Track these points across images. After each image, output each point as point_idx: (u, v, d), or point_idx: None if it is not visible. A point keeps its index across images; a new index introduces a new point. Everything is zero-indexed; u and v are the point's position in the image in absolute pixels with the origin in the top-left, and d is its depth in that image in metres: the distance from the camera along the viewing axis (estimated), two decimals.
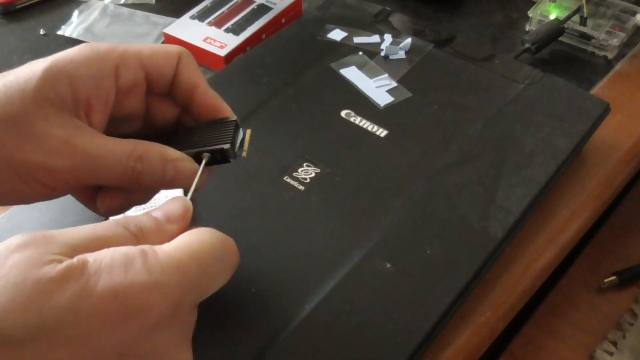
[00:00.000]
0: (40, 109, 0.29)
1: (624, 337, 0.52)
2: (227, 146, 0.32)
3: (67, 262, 0.23)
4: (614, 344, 0.51)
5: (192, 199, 0.30)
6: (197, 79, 0.33)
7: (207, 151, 0.32)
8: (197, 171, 0.32)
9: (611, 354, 0.50)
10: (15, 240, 0.24)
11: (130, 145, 0.30)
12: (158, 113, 0.35)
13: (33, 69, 0.29)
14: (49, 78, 0.29)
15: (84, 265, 0.23)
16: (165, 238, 0.27)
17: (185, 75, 0.33)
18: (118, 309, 0.23)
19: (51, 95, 0.29)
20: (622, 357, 0.50)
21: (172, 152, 0.31)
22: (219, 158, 0.32)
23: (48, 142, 0.28)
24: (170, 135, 0.34)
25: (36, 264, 0.23)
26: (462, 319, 0.39)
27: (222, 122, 0.34)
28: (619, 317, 0.53)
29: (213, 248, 0.27)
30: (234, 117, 0.34)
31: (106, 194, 0.32)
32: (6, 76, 0.29)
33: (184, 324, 0.26)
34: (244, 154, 0.33)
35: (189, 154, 0.32)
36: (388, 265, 0.37)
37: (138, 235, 0.27)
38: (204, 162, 0.32)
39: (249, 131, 0.34)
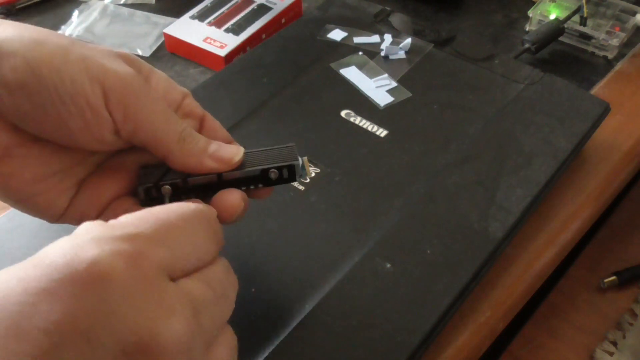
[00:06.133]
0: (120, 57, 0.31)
1: (624, 337, 0.52)
2: (297, 162, 0.32)
3: None
4: (614, 344, 0.51)
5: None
6: (204, 111, 0.35)
7: (276, 168, 0.32)
8: (239, 153, 0.32)
9: (611, 354, 0.50)
10: None
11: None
12: None
13: None
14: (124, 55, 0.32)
15: None
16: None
17: (194, 105, 0.35)
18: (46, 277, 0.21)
19: (124, 57, 0.31)
20: (622, 357, 0.50)
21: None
22: (286, 176, 0.32)
23: (126, 67, 0.30)
24: None
25: None
26: (462, 319, 0.39)
27: (279, 146, 0.33)
28: (619, 317, 0.53)
29: (178, 211, 0.26)
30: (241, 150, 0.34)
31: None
32: None
33: (154, 285, 0.23)
34: (307, 177, 0.35)
35: (253, 171, 0.32)
36: (388, 265, 0.37)
37: None
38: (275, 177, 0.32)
39: (305, 158, 0.33)
